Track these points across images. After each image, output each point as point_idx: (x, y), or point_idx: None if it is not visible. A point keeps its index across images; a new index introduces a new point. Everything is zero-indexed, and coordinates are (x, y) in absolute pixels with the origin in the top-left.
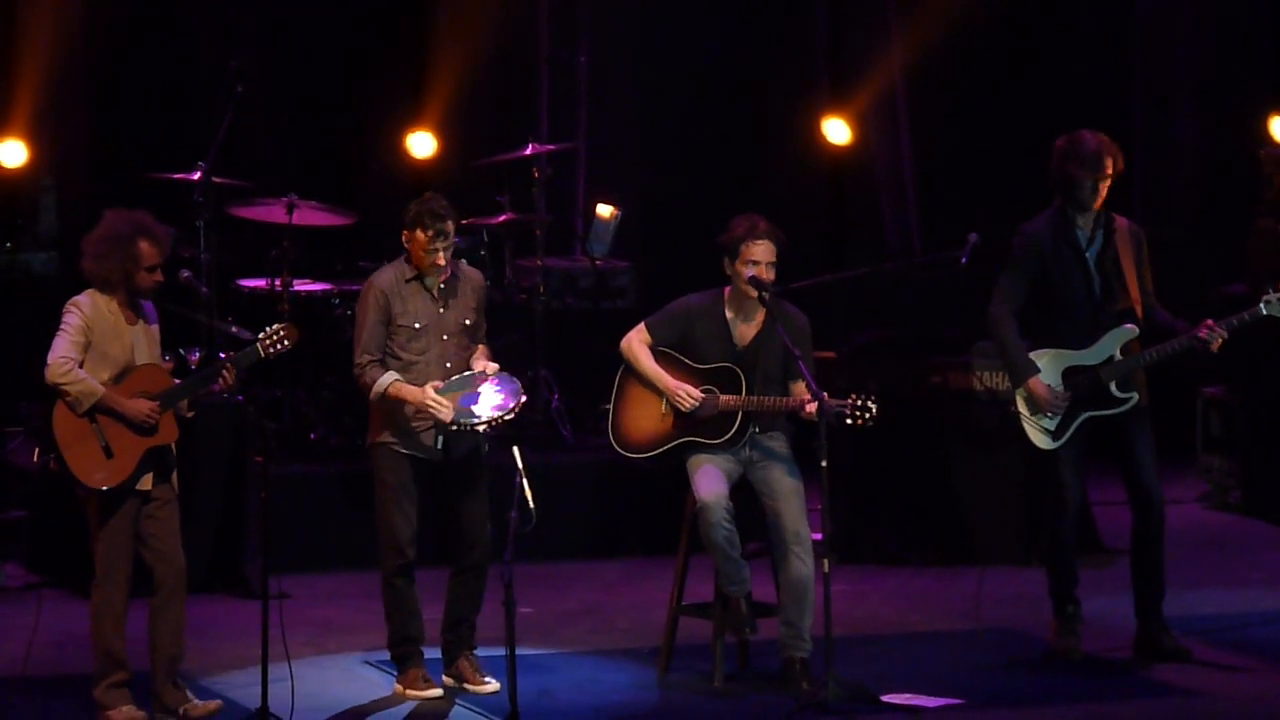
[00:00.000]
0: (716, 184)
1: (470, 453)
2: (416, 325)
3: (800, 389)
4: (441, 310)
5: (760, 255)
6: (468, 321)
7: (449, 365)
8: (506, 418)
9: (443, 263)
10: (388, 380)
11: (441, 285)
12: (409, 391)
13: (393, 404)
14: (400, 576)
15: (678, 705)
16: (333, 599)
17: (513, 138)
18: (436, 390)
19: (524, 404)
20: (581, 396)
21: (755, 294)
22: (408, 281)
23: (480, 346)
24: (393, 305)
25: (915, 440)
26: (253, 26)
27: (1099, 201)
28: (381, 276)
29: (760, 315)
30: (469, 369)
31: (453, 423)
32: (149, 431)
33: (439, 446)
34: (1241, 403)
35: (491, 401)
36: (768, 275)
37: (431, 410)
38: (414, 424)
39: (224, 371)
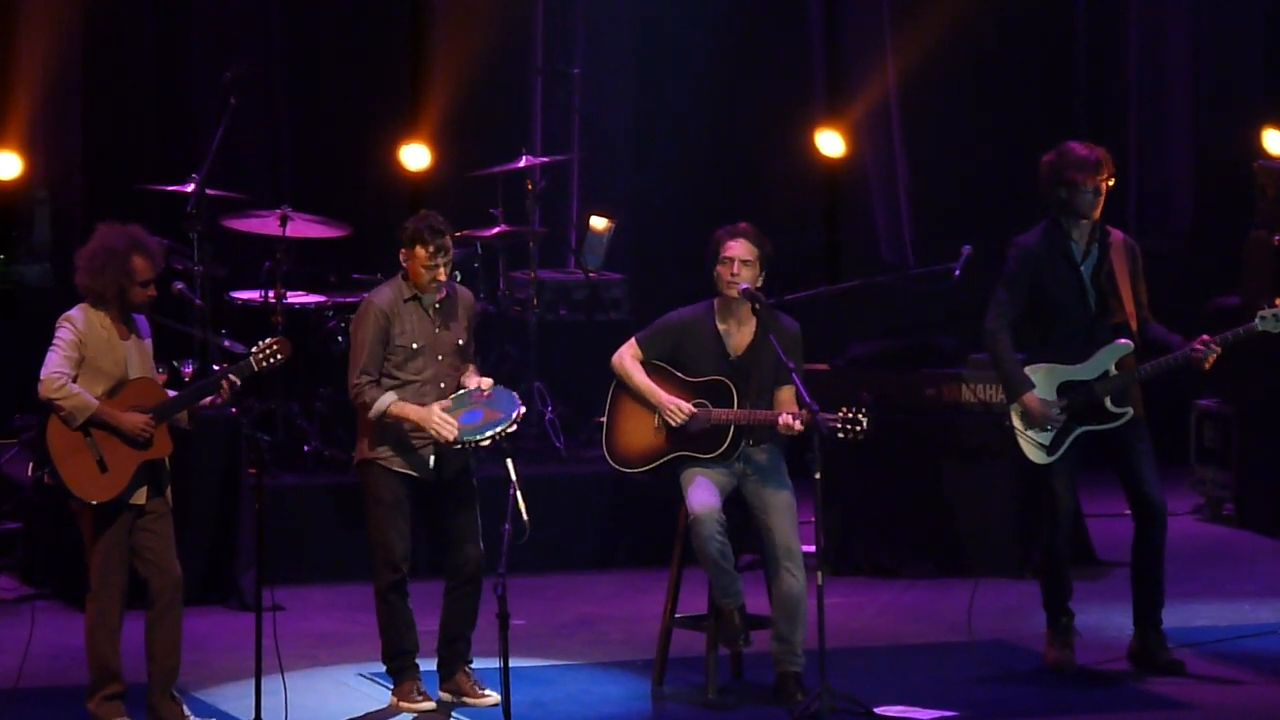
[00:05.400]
0: (710, 197)
1: (461, 471)
2: (415, 345)
3: (785, 396)
4: (438, 330)
5: (733, 252)
6: (461, 341)
7: (443, 385)
8: (509, 430)
9: (443, 278)
10: (388, 400)
11: (438, 305)
12: (413, 410)
13: (392, 423)
14: (394, 592)
15: (672, 718)
16: (327, 611)
17: (507, 150)
18: (444, 410)
19: (523, 414)
20: (576, 409)
21: (735, 294)
22: (406, 301)
23: (470, 365)
24: (392, 325)
25: (909, 452)
26: (247, 39)
27: (1098, 210)
28: (380, 296)
29: (752, 324)
30: (462, 387)
31: (456, 441)
32: (143, 445)
33: (432, 466)
34: (1235, 415)
35: (492, 417)
36: (739, 271)
37: (436, 429)
38: (413, 441)
39: (224, 383)
